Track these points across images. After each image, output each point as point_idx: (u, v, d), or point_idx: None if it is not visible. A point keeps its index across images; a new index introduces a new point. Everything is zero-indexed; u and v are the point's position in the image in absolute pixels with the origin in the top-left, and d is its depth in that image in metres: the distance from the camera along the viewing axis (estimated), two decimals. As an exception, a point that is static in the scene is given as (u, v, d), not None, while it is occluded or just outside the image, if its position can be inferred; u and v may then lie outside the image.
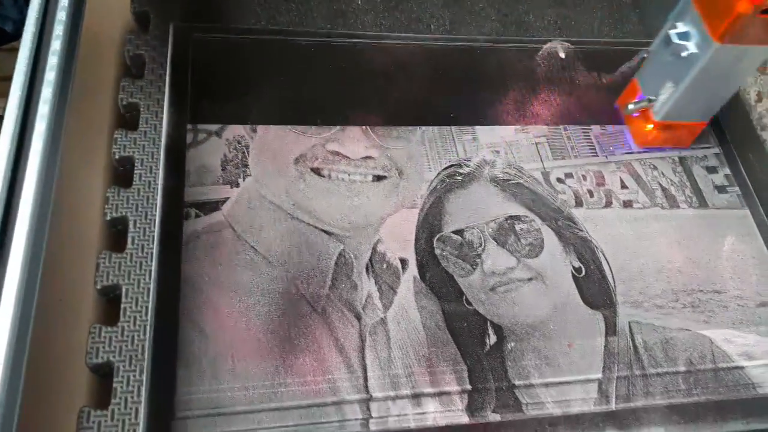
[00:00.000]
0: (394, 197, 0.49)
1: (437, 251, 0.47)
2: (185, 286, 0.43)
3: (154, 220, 0.45)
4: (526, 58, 0.59)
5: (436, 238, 0.48)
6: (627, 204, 0.53)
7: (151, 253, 0.45)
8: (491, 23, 0.61)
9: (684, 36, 0.47)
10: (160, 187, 0.46)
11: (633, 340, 0.46)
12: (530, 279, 0.47)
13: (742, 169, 0.56)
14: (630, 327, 0.47)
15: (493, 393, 0.42)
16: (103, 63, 0.54)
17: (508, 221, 0.49)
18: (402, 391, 0.41)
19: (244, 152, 0.48)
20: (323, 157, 0.50)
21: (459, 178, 0.51)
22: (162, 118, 0.49)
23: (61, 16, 0.43)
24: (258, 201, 0.47)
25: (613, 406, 0.43)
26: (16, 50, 0.78)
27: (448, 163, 0.52)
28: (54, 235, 0.41)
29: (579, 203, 0.52)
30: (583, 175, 0.53)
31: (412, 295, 0.45)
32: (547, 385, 0.43)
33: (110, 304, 0.45)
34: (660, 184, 0.54)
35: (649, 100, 0.51)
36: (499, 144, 0.54)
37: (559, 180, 0.53)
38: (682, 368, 0.46)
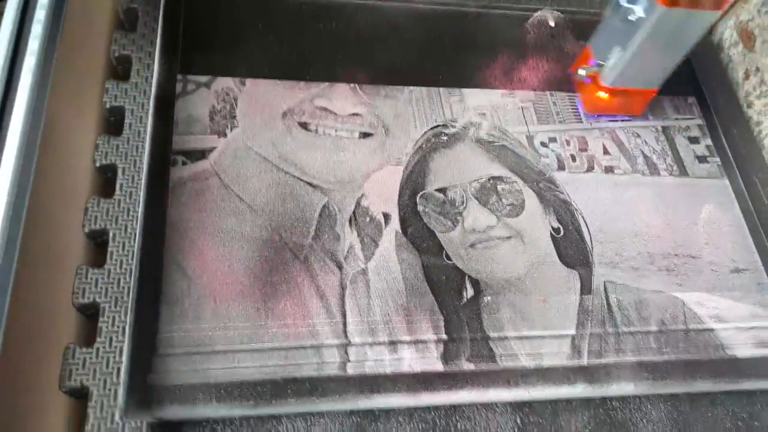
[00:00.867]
0: (380, 154, 0.50)
1: (420, 208, 0.48)
2: (170, 230, 0.44)
3: (142, 167, 0.46)
4: (516, 25, 0.59)
5: (419, 195, 0.49)
6: (608, 169, 0.54)
7: (138, 200, 0.46)
8: (483, -10, 0.62)
9: (633, 0, 0.47)
10: (148, 135, 0.47)
11: (607, 299, 0.48)
12: (509, 237, 0.48)
13: (724, 142, 0.57)
14: (605, 286, 0.48)
15: (468, 343, 0.44)
16: (96, 16, 0.54)
17: (491, 181, 0.50)
18: (379, 337, 0.43)
19: (232, 104, 0.49)
20: (311, 112, 0.50)
21: (444, 138, 0.52)
22: (153, 69, 0.50)
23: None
24: (244, 152, 0.48)
25: (585, 361, 0.45)
26: None
27: (435, 124, 0.53)
28: (45, 182, 0.42)
29: (561, 167, 0.53)
30: (567, 140, 0.54)
31: (394, 248, 0.46)
32: (521, 338, 0.45)
33: (98, 247, 0.46)
34: (642, 152, 0.55)
35: (599, 66, 0.52)
36: (486, 107, 0.54)
37: (542, 144, 0.54)
38: (654, 328, 0.47)
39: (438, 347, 0.43)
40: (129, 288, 0.43)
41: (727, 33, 0.67)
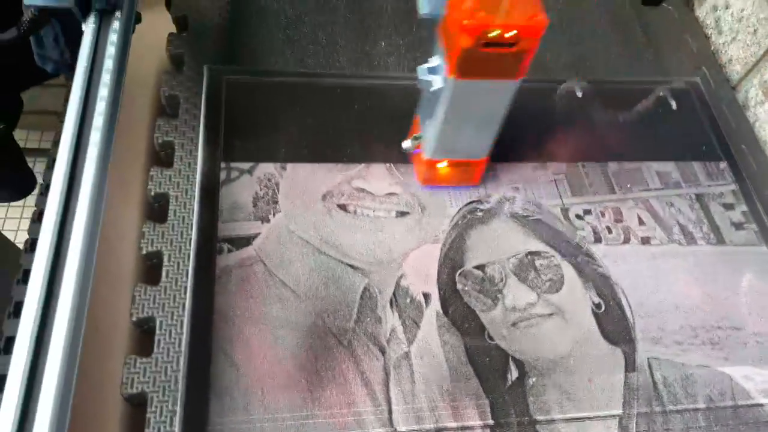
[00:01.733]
0: (417, 232, 0.51)
1: (459, 286, 0.49)
2: (217, 318, 0.44)
3: (188, 254, 0.47)
4: (544, 97, 0.61)
5: (458, 273, 0.49)
6: (645, 240, 0.54)
7: (185, 286, 0.46)
8: (510, 63, 0.64)
9: (433, 70, 0.44)
10: (194, 222, 0.48)
11: (652, 377, 0.47)
12: (551, 314, 0.48)
13: (758, 207, 0.57)
14: (649, 363, 0.48)
15: (515, 428, 0.43)
16: (139, 103, 0.57)
17: (529, 257, 0.50)
18: (426, 425, 0.42)
19: (274, 189, 0.51)
20: (349, 194, 0.51)
21: (480, 214, 0.53)
22: (196, 156, 0.52)
23: (111, 52, 0.45)
24: (287, 236, 0.49)
25: (633, 443, 0.44)
26: (52, 86, 0.82)
27: (469, 200, 0.53)
28: (97, 270, 0.43)
29: (598, 239, 0.53)
30: (602, 212, 0.55)
31: (435, 330, 0.46)
32: (568, 420, 0.44)
33: (145, 335, 0.47)
34: (677, 221, 0.55)
35: (416, 138, 0.50)
36: (518, 181, 0.55)
37: (578, 216, 0.54)
38: (702, 405, 0.46)
39: (485, 433, 0.43)
40: (176, 377, 0.43)
41: (753, 92, 0.67)
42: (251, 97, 0.56)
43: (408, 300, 0.48)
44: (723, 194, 0.58)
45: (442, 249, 0.50)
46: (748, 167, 0.60)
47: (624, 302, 0.50)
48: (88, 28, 0.46)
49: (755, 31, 0.66)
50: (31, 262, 0.37)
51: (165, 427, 0.42)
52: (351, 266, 0.48)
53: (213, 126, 0.53)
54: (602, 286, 0.50)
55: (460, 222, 0.52)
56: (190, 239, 0.48)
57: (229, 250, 0.47)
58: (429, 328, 0.46)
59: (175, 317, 0.46)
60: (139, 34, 0.50)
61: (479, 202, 0.53)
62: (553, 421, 0.44)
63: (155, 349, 0.45)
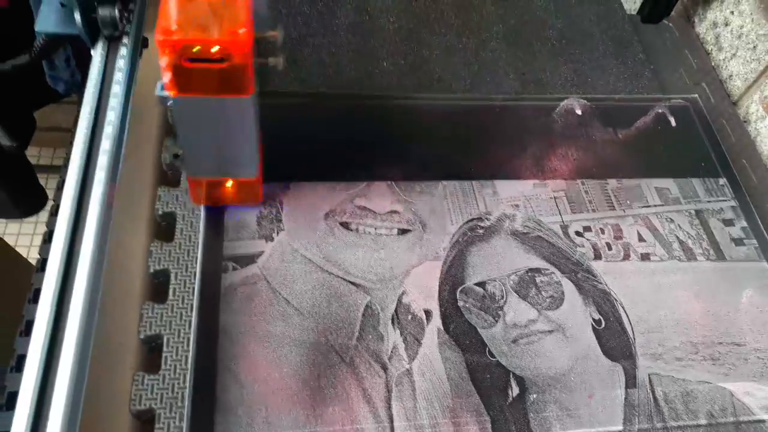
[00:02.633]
0: (419, 250, 0.52)
1: (460, 303, 0.49)
2: (222, 336, 0.45)
3: (194, 272, 0.49)
4: (543, 114, 0.62)
5: (459, 290, 0.50)
6: (645, 257, 0.54)
7: (191, 304, 0.47)
8: (510, 82, 0.65)
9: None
10: (200, 241, 0.49)
11: (653, 393, 0.47)
12: (551, 331, 0.49)
13: (759, 222, 0.58)
14: (650, 379, 0.48)
15: (516, 444, 0.44)
16: (146, 124, 0.58)
17: (529, 274, 0.51)
18: (427, 441, 0.43)
19: (278, 208, 0.52)
20: (351, 212, 0.52)
21: (480, 231, 0.53)
22: (202, 175, 0.53)
23: (119, 77, 0.47)
24: (291, 254, 0.50)
25: (634, 459, 0.44)
26: (64, 103, 0.83)
27: (470, 217, 0.54)
28: (106, 288, 0.44)
29: (597, 256, 0.53)
30: (601, 229, 0.55)
31: (437, 347, 0.47)
32: (568, 436, 0.45)
33: (152, 352, 0.48)
34: (677, 237, 0.56)
35: (176, 156, 0.48)
36: (519, 198, 0.56)
37: (577, 233, 0.55)
38: (703, 421, 0.47)
39: (486, 450, 0.43)
40: (183, 394, 0.44)
41: (753, 107, 0.68)
42: (256, 118, 0.57)
43: (409, 317, 0.48)
44: (723, 210, 0.58)
45: (443, 266, 0.51)
46: (749, 183, 0.61)
47: (624, 318, 0.50)
48: (96, 53, 0.47)
49: (755, 47, 0.67)
50: (41, 281, 0.38)
51: (171, 444, 0.43)
52: (353, 284, 0.49)
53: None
54: (602, 302, 0.51)
55: (460, 239, 0.53)
56: (197, 258, 0.49)
57: (234, 268, 0.48)
58: (430, 345, 0.47)
59: (181, 335, 0.47)
60: (146, 58, 0.52)
61: (480, 219, 0.54)
62: (553, 437, 0.44)
63: (162, 366, 0.46)
